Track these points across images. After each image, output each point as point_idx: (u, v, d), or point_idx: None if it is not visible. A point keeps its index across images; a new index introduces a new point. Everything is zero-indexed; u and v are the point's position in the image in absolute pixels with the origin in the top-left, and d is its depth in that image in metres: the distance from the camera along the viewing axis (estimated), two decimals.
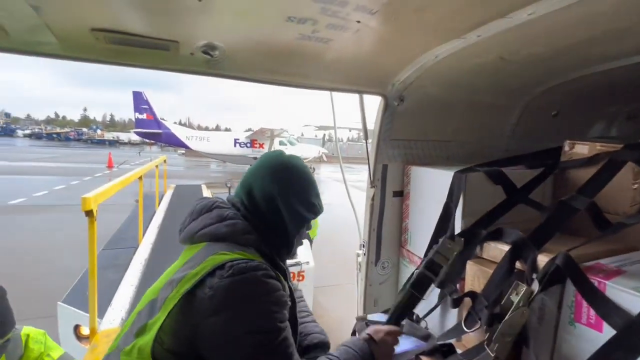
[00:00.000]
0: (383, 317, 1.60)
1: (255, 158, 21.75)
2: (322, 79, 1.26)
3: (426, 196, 1.48)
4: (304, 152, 23.36)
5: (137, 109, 20.92)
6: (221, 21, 0.87)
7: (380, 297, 1.71)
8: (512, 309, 0.86)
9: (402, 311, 1.12)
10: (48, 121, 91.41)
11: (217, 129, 76.98)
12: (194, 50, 0.98)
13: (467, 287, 1.18)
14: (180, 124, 28.83)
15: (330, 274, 5.57)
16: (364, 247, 1.66)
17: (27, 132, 56.44)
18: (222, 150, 21.95)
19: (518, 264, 1.02)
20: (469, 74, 1.33)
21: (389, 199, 1.63)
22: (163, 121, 21.91)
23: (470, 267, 1.18)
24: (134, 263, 3.74)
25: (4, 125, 58.54)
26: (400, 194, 1.65)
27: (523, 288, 0.88)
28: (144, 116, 21.07)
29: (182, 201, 7.72)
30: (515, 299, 0.88)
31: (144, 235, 4.83)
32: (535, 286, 0.91)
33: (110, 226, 5.67)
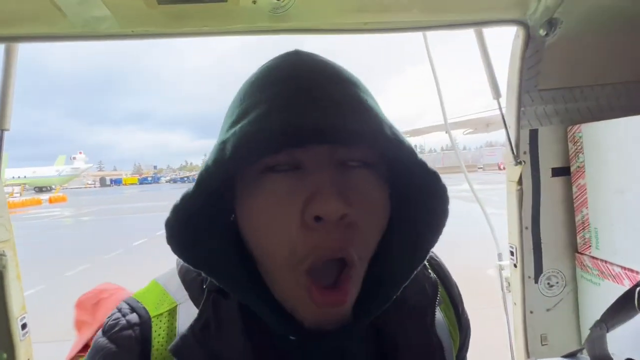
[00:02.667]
0: None
1: None
2: (426, 9, 0.89)
3: (625, 167, 0.91)
4: None
5: None
6: None
7: (551, 332, 1.12)
8: None
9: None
10: (181, 168, 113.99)
11: None
12: None
13: None
14: None
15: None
16: (512, 255, 1.14)
17: (168, 178, 71.67)
18: None
19: None
20: None
21: (546, 180, 1.09)
22: None
23: None
24: None
25: (153, 175, 76.20)
26: (566, 171, 1.09)
27: None
28: None
29: None
30: None
31: None
32: None
33: None
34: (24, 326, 0.92)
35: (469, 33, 1.05)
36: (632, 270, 0.91)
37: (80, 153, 45.43)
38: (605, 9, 0.93)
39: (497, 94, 1.10)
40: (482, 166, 39.08)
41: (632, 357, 0.84)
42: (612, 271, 0.97)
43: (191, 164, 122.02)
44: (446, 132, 1.64)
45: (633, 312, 0.81)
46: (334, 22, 0.88)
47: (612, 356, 0.85)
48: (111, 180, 71.61)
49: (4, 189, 0.95)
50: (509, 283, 1.18)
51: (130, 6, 0.74)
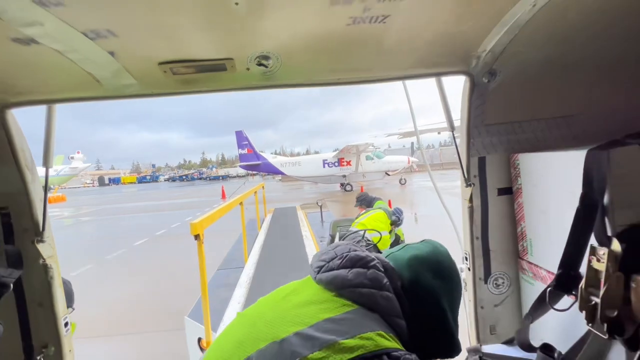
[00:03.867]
0: (506, 350, 1.26)
1: (343, 176, 22.28)
2: (390, 67, 1.10)
3: (550, 190, 1.13)
4: (393, 164, 22.66)
5: (240, 145, 24.05)
6: (268, 25, 0.83)
7: (499, 323, 1.35)
8: None
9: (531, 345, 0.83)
10: (179, 166, 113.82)
11: (307, 153, 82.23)
12: (249, 65, 0.97)
13: (638, 314, 0.81)
14: (275, 153, 31.83)
15: None
16: (467, 260, 1.36)
17: (166, 177, 71.72)
18: (313, 172, 23.15)
19: None
20: (593, 18, 0.97)
21: (493, 198, 1.31)
22: (261, 153, 24.55)
23: None
24: (241, 282, 4.09)
25: (152, 174, 76.16)
26: (508, 191, 1.31)
27: None
28: (245, 151, 24.04)
29: (281, 221, 8.31)
30: None
31: (249, 255, 5.30)
32: None
33: (227, 249, 6.47)
34: (66, 324, 1.15)
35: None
36: (553, 274, 1.14)
37: (78, 152, 45.38)
38: (534, 61, 1.15)
39: (451, 127, 1.32)
40: None
41: (549, 342, 1.07)
42: (541, 274, 1.20)
43: (189, 162, 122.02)
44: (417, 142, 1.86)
45: (546, 307, 1.04)
46: (312, 79, 1.09)
47: (531, 342, 1.09)
48: (110, 180, 71.61)
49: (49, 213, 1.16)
50: (465, 283, 1.41)
51: (152, 76, 0.96)
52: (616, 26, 1.01)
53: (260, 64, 0.97)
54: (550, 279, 1.15)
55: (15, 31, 0.70)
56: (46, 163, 1.09)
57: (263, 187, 8.58)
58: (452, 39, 1.04)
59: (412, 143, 26.15)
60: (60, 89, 0.99)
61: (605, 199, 0.87)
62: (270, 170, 24.77)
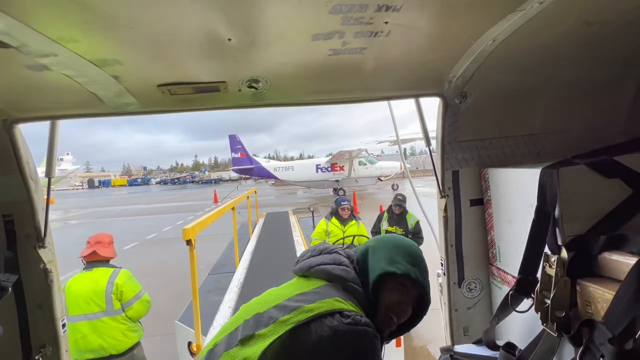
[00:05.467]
0: (475, 349, 1.36)
1: (336, 181, 22.44)
2: (370, 89, 1.22)
3: (514, 202, 1.24)
4: (386, 169, 22.90)
5: (233, 149, 24.03)
6: (257, 56, 0.93)
7: (472, 325, 1.46)
8: None
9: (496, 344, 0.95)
10: (171, 169, 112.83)
11: (301, 157, 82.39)
12: (240, 87, 1.07)
13: (582, 314, 0.92)
14: (269, 157, 31.88)
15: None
16: (442, 265, 1.47)
17: (158, 179, 71.03)
18: (306, 176, 23.23)
19: None
20: (546, 50, 1.10)
21: (466, 208, 1.42)
22: (254, 157, 24.56)
23: (585, 287, 0.92)
24: (231, 286, 4.13)
25: (143, 177, 75.39)
26: (479, 202, 1.42)
27: None
28: (239, 155, 24.04)
29: (273, 226, 8.35)
30: None
31: (240, 260, 5.34)
32: None
33: (218, 253, 6.49)
34: (63, 325, 1.21)
35: None
36: (515, 276, 1.25)
37: (67, 154, 44.71)
38: (501, 85, 1.27)
39: (428, 143, 1.43)
40: None
41: (512, 342, 1.17)
42: (507, 279, 1.31)
43: (182, 165, 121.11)
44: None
45: (509, 310, 1.14)
46: (298, 99, 1.19)
47: (496, 341, 1.19)
48: (99, 182, 70.50)
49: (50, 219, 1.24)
50: (441, 287, 1.51)
51: (151, 96, 1.05)
52: (567, 55, 1.14)
53: (250, 86, 1.07)
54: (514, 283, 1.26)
55: (32, 60, 0.78)
56: (49, 173, 1.16)
57: (255, 191, 8.62)
58: (426, 66, 1.15)
59: (405, 149, 26.47)
60: (66, 107, 1.07)
61: (557, 212, 0.99)
62: (263, 175, 24.78)
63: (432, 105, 1.53)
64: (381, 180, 23.28)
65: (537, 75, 1.22)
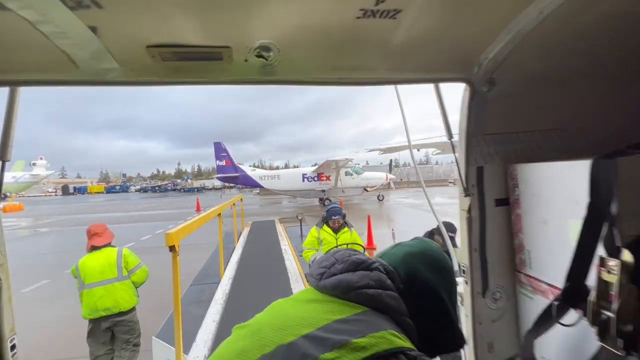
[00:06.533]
0: None
1: (323, 191, 22.25)
2: (393, 69, 1.07)
3: (551, 200, 1.11)
4: (371, 180, 22.94)
5: (218, 156, 23.51)
6: (272, 12, 0.77)
7: (497, 340, 1.30)
8: None
9: None
10: (152, 177, 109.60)
11: (286, 166, 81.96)
12: (247, 56, 0.90)
13: None
14: (254, 166, 31.34)
15: None
16: (464, 273, 1.31)
17: (138, 187, 68.76)
18: (292, 186, 22.94)
19: None
20: (594, 32, 0.99)
21: (491, 209, 1.29)
22: (240, 165, 24.09)
23: None
24: (216, 298, 3.84)
25: (122, 184, 72.82)
26: (505, 202, 1.29)
27: None
28: (224, 162, 23.52)
29: (259, 235, 8.05)
30: None
31: (225, 270, 5.03)
32: None
33: (200, 264, 6.12)
34: (12, 347, 0.97)
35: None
36: (554, 287, 1.11)
37: (41, 159, 42.55)
38: (533, 71, 1.16)
39: (450, 135, 1.29)
40: (452, 181, 40.92)
41: None
42: (541, 287, 1.17)
43: (163, 172, 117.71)
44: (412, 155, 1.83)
45: (551, 322, 0.99)
46: (313, 76, 1.03)
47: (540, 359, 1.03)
48: (75, 189, 67.39)
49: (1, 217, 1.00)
50: (462, 297, 1.35)
51: (137, 61, 0.85)
52: (617, 41, 1.03)
53: (259, 56, 0.89)
54: (552, 292, 1.11)
55: None
56: (3, 156, 0.93)
57: (241, 199, 8.32)
58: (457, 44, 1.02)
59: (391, 160, 26.72)
60: (27, 69, 0.86)
61: (613, 208, 0.86)
62: (249, 183, 24.29)
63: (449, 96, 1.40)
64: (367, 190, 23.29)
65: (578, 60, 1.11)
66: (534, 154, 1.27)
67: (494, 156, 1.27)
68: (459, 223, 1.34)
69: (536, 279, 1.19)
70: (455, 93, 1.34)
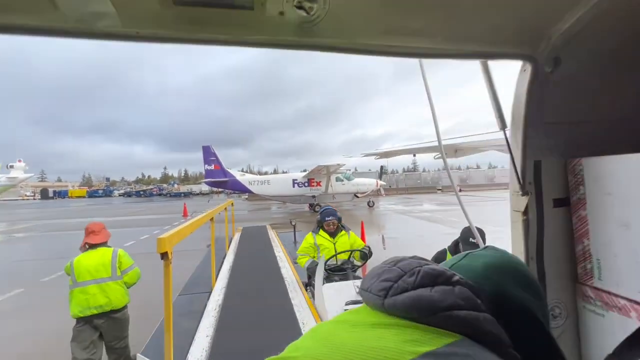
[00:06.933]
0: None
1: (313, 197, 21.98)
2: (452, 39, 0.88)
3: (628, 201, 0.94)
4: (362, 186, 22.85)
5: (206, 160, 23.00)
6: None
7: None
8: None
9: None
10: (137, 181, 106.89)
11: (275, 172, 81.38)
12: (283, 7, 0.70)
13: None
14: (243, 171, 30.70)
15: None
16: None
17: (122, 191, 66.86)
18: (282, 191, 22.59)
19: None
20: None
21: (549, 210, 1.11)
22: (229, 170, 23.62)
23: None
24: (208, 309, 3.54)
25: (105, 188, 70.68)
26: (566, 202, 1.12)
27: None
28: (212, 167, 23.01)
29: (251, 241, 7.74)
30: None
31: (217, 278, 4.72)
32: None
33: (186, 272, 5.77)
34: None
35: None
36: (637, 302, 0.93)
37: (19, 161, 40.76)
38: (604, 52, 1.00)
39: (503, 124, 1.12)
40: (440, 188, 41.37)
41: None
42: (617, 303, 0.99)
43: (149, 177, 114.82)
44: (438, 156, 1.65)
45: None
46: (360, 43, 0.83)
47: None
48: (54, 192, 64.79)
49: None
50: None
51: (141, 4, 0.63)
52: None
53: (300, 7, 0.69)
54: (634, 309, 0.93)
55: None
56: None
57: (232, 204, 8.01)
58: (528, 11, 0.85)
59: (381, 167, 26.76)
60: None
61: None
62: (238, 188, 23.80)
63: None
64: (357, 197, 23.19)
65: None
66: (597, 148, 1.10)
67: (553, 149, 1.10)
68: (510, 227, 1.15)
69: (610, 292, 1.01)
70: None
